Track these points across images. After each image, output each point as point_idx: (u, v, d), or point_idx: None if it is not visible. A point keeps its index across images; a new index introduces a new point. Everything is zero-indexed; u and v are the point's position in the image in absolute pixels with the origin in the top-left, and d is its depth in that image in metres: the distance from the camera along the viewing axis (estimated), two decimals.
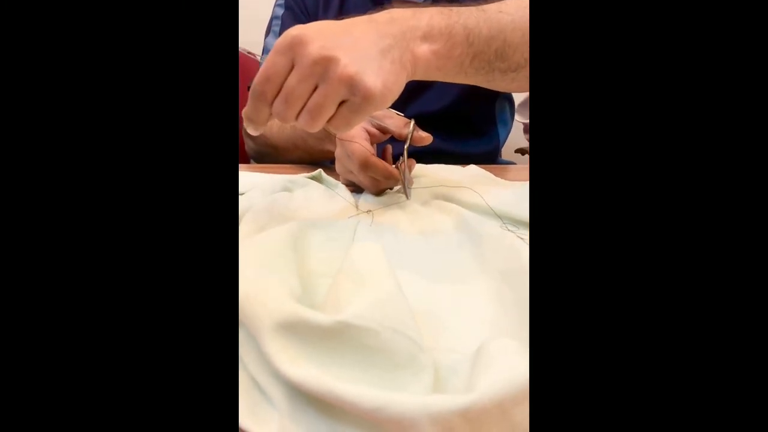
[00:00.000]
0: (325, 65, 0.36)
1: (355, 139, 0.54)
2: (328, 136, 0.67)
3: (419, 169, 0.64)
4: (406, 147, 0.53)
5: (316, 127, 0.38)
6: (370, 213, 0.52)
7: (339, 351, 0.24)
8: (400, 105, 0.79)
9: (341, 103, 0.38)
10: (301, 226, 0.42)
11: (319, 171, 0.62)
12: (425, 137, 0.54)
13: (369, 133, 0.56)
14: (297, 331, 0.25)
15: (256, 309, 0.26)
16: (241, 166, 0.74)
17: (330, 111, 0.38)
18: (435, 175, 0.63)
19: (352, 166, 0.55)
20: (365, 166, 0.53)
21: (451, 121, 0.82)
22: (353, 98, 0.37)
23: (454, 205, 0.53)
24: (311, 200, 0.56)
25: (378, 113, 0.57)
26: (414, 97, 0.81)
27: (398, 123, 0.55)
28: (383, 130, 0.56)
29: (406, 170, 0.53)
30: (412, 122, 0.54)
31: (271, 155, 0.80)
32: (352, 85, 0.36)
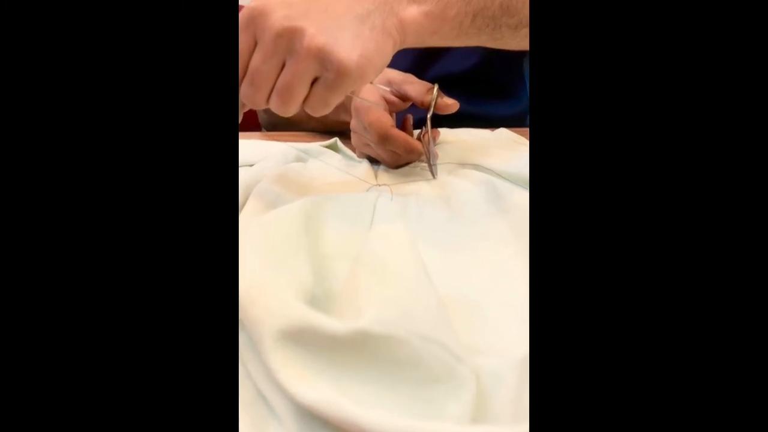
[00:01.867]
0: (289, 38, 0.31)
1: (372, 109, 0.48)
2: (342, 105, 0.61)
3: (443, 134, 0.58)
4: (429, 116, 0.47)
5: (290, 111, 0.33)
6: (389, 187, 0.47)
7: (357, 364, 0.20)
8: (419, 68, 0.73)
9: (315, 80, 0.33)
10: (315, 202, 0.37)
11: (335, 140, 0.56)
12: (451, 104, 0.48)
13: (387, 101, 0.50)
14: (305, 341, 0.20)
15: (258, 312, 0.21)
16: (252, 134, 0.70)
17: (302, 91, 0.32)
18: (461, 140, 0.57)
19: (369, 139, 0.50)
20: (384, 139, 0.48)
21: (477, 82, 0.75)
22: (326, 74, 0.32)
23: (483, 174, 0.48)
24: (327, 171, 0.51)
25: (397, 78, 0.51)
26: (435, 59, 0.74)
27: (420, 89, 0.49)
28: (403, 98, 0.50)
29: (431, 142, 0.47)
30: (436, 87, 0.48)
31: (284, 126, 0.75)
32: (322, 58, 0.31)
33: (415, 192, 0.46)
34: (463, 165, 0.52)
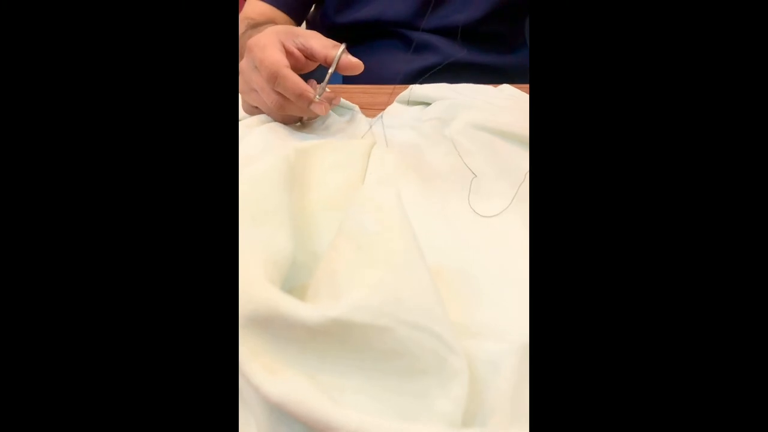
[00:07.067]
0: None
1: (269, 48, 0.43)
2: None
3: (443, 89, 0.54)
4: (330, 71, 0.42)
5: None
6: (385, 138, 0.43)
7: (333, 355, 0.17)
8: (419, 17, 0.68)
9: None
10: (300, 151, 0.34)
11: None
12: (356, 64, 0.43)
13: (289, 52, 0.44)
14: (274, 328, 0.17)
15: None
16: None
17: None
18: (461, 96, 0.53)
19: (256, 79, 0.44)
20: (274, 77, 0.42)
21: (481, 32, 0.70)
22: None
23: (485, 134, 0.44)
24: (318, 125, 0.47)
25: (304, 31, 0.45)
26: (436, 6, 0.69)
27: (326, 43, 0.44)
28: (308, 54, 0.45)
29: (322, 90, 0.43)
30: (343, 45, 0.43)
31: None
32: None
33: (413, 144, 0.43)
34: (465, 123, 0.48)
